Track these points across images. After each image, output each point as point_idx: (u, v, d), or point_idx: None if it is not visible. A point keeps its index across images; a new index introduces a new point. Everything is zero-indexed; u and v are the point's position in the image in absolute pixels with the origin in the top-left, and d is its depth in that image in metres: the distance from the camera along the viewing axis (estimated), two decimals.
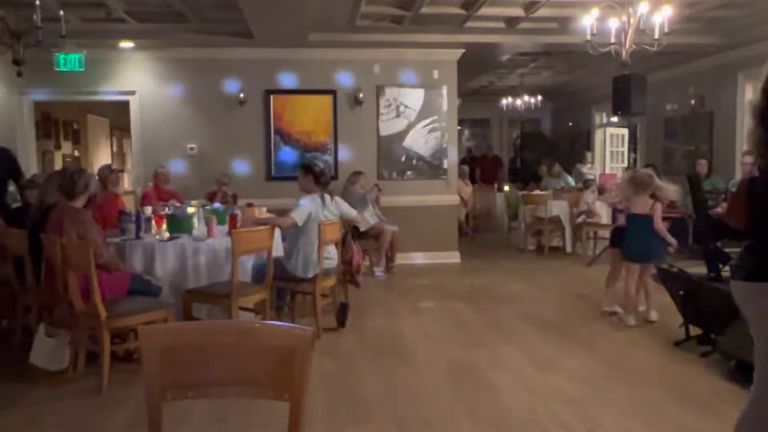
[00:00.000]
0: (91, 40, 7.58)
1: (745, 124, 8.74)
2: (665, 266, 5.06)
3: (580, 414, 3.32)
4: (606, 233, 7.29)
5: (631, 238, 5.44)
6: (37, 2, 5.30)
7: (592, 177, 10.54)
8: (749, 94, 8.77)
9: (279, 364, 1.48)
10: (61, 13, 5.54)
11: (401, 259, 8.04)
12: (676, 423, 3.20)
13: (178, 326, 2.57)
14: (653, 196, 5.43)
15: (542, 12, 7.07)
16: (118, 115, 10.75)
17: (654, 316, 5.32)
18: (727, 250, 4.77)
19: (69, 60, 7.80)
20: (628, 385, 3.80)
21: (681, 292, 4.55)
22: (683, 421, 3.23)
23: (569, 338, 4.84)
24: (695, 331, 4.52)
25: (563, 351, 4.50)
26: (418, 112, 8.44)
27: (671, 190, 5.62)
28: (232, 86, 8.16)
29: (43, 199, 4.51)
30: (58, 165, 10.22)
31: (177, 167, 7.92)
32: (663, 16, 5.61)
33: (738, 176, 8.01)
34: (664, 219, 7.06)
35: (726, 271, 5.41)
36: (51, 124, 10.33)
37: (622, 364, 4.22)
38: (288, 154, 8.24)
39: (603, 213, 8.58)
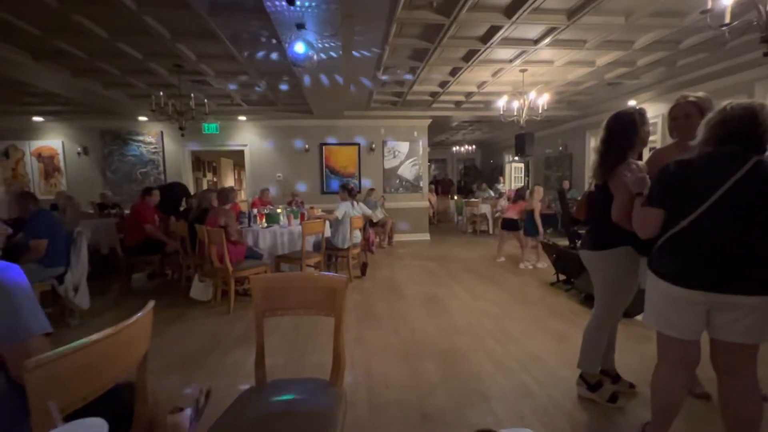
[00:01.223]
0: (222, 115, 7.59)
1: (590, 160, 8.72)
2: (545, 241, 5.05)
3: (497, 324, 3.34)
4: None
5: (527, 224, 5.51)
6: (192, 96, 5.32)
7: (503, 191, 10.49)
8: (592, 143, 8.72)
9: (328, 296, 1.50)
10: (206, 101, 5.54)
11: (396, 237, 8.02)
12: (551, 329, 3.22)
13: (272, 276, 2.59)
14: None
15: (475, 98, 7.02)
16: (238, 157, 10.79)
17: (541, 265, 5.48)
18: (579, 232, 4.79)
19: (210, 127, 7.84)
20: (524, 306, 3.81)
21: (554, 255, 4.54)
22: (555, 327, 3.25)
23: (490, 281, 4.82)
24: (563, 278, 4.52)
25: (487, 288, 4.50)
26: (406, 155, 8.38)
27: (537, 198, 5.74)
28: (300, 141, 8.11)
29: (200, 204, 4.52)
30: (204, 186, 10.23)
31: (271, 187, 7.94)
32: (543, 100, 5.57)
33: (586, 189, 7.99)
34: (543, 214, 7.10)
35: (578, 243, 5.39)
36: (200, 163, 10.40)
37: (520, 295, 4.22)
38: (333, 180, 8.19)
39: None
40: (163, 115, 5.33)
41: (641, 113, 1.90)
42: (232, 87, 6.00)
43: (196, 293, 3.92)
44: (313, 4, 3.05)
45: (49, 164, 7.80)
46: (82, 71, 5.08)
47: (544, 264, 5.44)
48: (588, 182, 7.01)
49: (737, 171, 1.30)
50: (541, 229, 5.60)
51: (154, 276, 5.26)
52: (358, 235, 5.02)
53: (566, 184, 8.66)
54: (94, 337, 0.86)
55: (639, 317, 3.27)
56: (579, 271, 3.89)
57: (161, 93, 5.25)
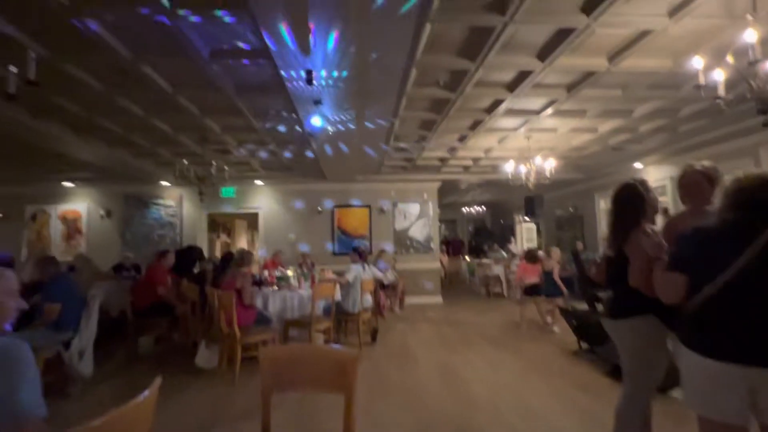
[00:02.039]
0: (239, 180, 7.92)
1: (602, 223, 8.68)
2: (563, 306, 4.86)
3: (518, 398, 3.11)
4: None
5: (547, 285, 5.58)
6: (213, 163, 5.64)
7: (516, 252, 10.38)
8: (602, 205, 8.76)
9: (338, 371, 1.44)
10: (226, 168, 5.86)
11: (408, 300, 7.80)
12: (577, 404, 2.97)
13: (280, 348, 2.50)
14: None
15: (483, 162, 7.27)
16: (251, 218, 11.03)
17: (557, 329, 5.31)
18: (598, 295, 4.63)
19: (227, 191, 8.14)
20: (546, 378, 3.56)
21: (574, 322, 4.34)
22: (581, 402, 3.00)
23: (508, 348, 4.58)
24: (585, 345, 4.27)
25: (505, 356, 4.27)
26: (416, 216, 8.50)
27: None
28: (314, 204, 8.34)
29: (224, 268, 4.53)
30: (217, 247, 10.38)
31: (283, 247, 8.02)
32: (550, 165, 5.73)
33: (600, 251, 7.84)
34: (561, 277, 6.97)
35: (599, 307, 5.19)
36: (215, 224, 10.65)
37: (541, 364, 3.97)
38: (344, 241, 8.27)
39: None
40: (185, 180, 5.63)
41: (643, 183, 1.95)
42: (251, 153, 6.36)
43: (202, 360, 3.80)
44: (329, 83, 3.35)
45: (72, 227, 8.12)
46: (117, 143, 5.50)
47: (559, 328, 5.20)
48: (602, 245, 6.91)
49: (759, 237, 1.28)
50: (564, 289, 5.45)
51: (161, 341, 5.15)
52: (368, 299, 4.93)
53: (580, 245, 8.54)
54: (95, 423, 0.83)
55: (675, 393, 3.02)
56: (603, 339, 3.68)
57: (185, 161, 5.59)
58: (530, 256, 6.13)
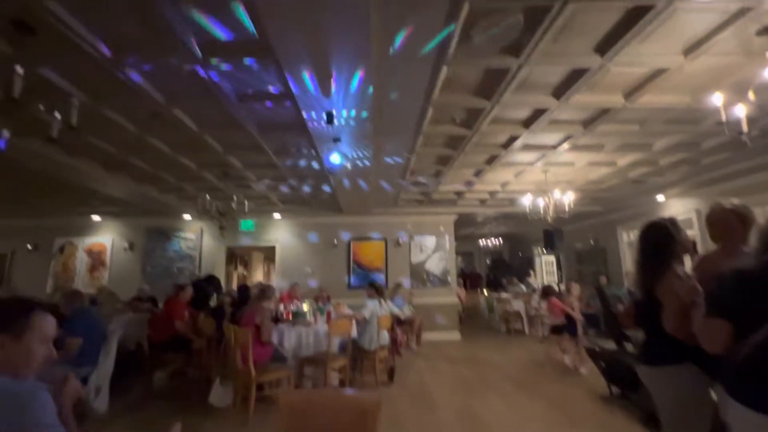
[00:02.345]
0: (258, 214, 8.08)
1: (626, 256, 8.41)
2: (590, 346, 4.62)
3: None
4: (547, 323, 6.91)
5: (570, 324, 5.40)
6: (234, 198, 5.80)
7: (536, 286, 10.09)
8: (624, 238, 8.53)
9: (358, 418, 1.39)
10: (246, 202, 6.01)
11: (424, 336, 7.55)
12: None
13: (299, 392, 2.44)
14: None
15: (500, 196, 7.25)
16: (268, 251, 11.13)
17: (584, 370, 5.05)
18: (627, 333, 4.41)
19: (246, 224, 8.32)
20: (573, 425, 3.35)
21: (603, 364, 4.10)
22: None
23: (533, 391, 4.33)
24: (616, 389, 4.02)
25: (530, 401, 4.03)
26: (433, 249, 8.43)
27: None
28: (330, 237, 8.38)
29: (244, 301, 4.55)
30: (234, 280, 10.43)
31: (300, 280, 8.02)
32: (568, 198, 5.67)
33: (625, 285, 7.54)
34: (583, 313, 6.74)
35: (629, 347, 4.93)
36: (233, 257, 10.77)
37: (569, 410, 3.73)
38: (360, 275, 8.23)
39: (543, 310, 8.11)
40: (206, 214, 5.78)
41: (673, 223, 1.90)
42: (270, 188, 6.53)
43: (216, 399, 3.73)
44: (349, 122, 3.46)
45: (96, 259, 8.36)
46: (143, 179, 5.74)
47: (587, 370, 4.93)
48: (627, 280, 6.65)
49: None
50: (579, 329, 5.22)
51: (175, 376, 5.10)
52: (385, 336, 4.81)
53: (603, 280, 8.24)
54: None
55: None
56: (635, 384, 3.46)
57: (207, 196, 5.77)
58: (547, 293, 5.96)
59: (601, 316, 7.37)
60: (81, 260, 8.34)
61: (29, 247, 8.34)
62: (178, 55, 2.62)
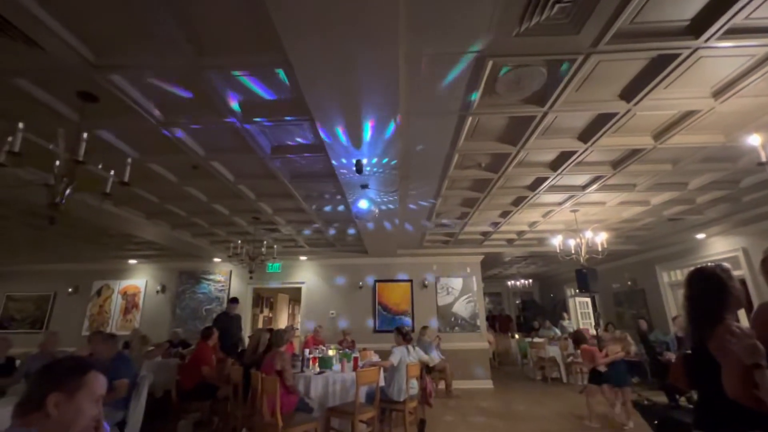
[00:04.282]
0: (285, 256, 8.24)
1: (667, 298, 7.91)
2: (639, 400, 4.25)
3: None
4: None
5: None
6: (265, 242, 5.96)
7: (571, 329, 9.55)
8: (665, 278, 8.07)
9: None
10: (275, 246, 6.17)
11: (455, 385, 7.13)
12: None
13: None
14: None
15: (528, 236, 7.12)
16: (294, 293, 11.19)
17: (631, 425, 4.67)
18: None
19: (273, 266, 8.46)
20: None
21: (656, 422, 3.74)
22: None
23: None
24: None
25: None
26: (460, 291, 8.22)
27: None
28: (355, 278, 8.37)
29: (257, 348, 4.56)
30: (260, 323, 10.45)
31: (324, 323, 7.95)
32: (601, 238, 5.50)
33: (672, 331, 7.00)
34: (627, 361, 6.33)
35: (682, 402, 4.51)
36: (259, 299, 10.87)
37: None
38: (385, 318, 8.08)
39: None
40: (236, 258, 5.95)
41: (724, 269, 1.78)
42: (298, 232, 6.69)
43: None
44: (377, 169, 3.58)
45: (130, 301, 8.63)
46: (179, 225, 6.03)
47: (632, 424, 4.54)
48: (673, 327, 6.20)
49: None
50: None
51: (200, 425, 5.02)
52: (415, 385, 4.61)
53: (643, 324, 7.71)
54: None
55: None
56: None
57: (239, 241, 5.97)
58: (576, 340, 5.56)
59: (647, 365, 6.86)
60: (116, 302, 8.64)
61: (70, 289, 8.74)
62: (221, 115, 2.84)
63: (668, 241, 7.32)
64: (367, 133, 2.74)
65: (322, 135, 2.79)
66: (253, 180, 4.22)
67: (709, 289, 1.73)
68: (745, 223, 5.84)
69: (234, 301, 6.47)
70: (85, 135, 2.26)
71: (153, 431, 4.64)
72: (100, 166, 2.41)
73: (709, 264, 1.86)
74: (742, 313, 3.73)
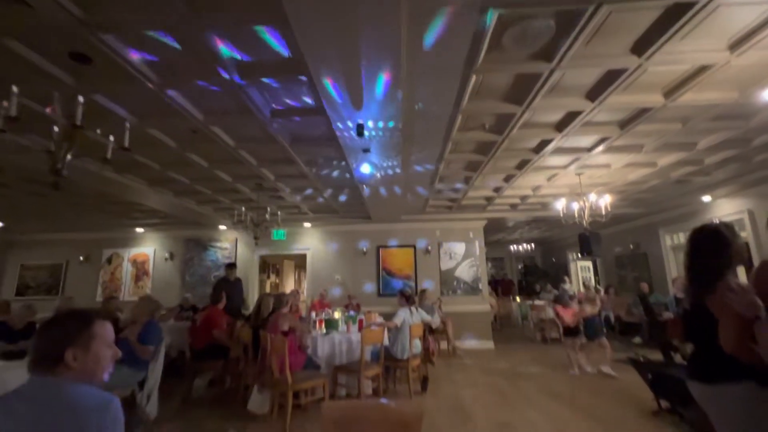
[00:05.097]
0: (289, 223, 8.32)
1: (669, 261, 7.96)
2: (634, 357, 4.39)
3: None
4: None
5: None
6: (268, 209, 5.99)
7: (572, 293, 9.71)
8: (668, 241, 8.09)
9: (399, 429, 1.40)
10: (279, 212, 6.20)
11: (457, 345, 7.43)
12: None
13: (342, 403, 2.47)
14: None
15: (531, 200, 7.09)
16: (299, 259, 11.39)
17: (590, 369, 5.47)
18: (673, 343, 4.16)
19: (279, 233, 8.54)
20: None
21: (650, 377, 3.89)
22: None
23: (574, 406, 4.16)
24: (665, 404, 3.80)
25: (571, 417, 3.87)
26: (462, 256, 8.33)
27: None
28: (359, 244, 8.47)
29: (260, 310, 4.72)
30: (267, 288, 10.73)
31: (337, 291, 8.14)
32: (605, 201, 5.46)
33: (671, 292, 7.09)
34: (626, 322, 6.67)
35: (676, 358, 4.64)
36: (265, 265, 11.10)
37: (614, 427, 3.54)
38: (389, 282, 8.25)
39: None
40: (241, 225, 6.01)
41: (729, 227, 1.78)
42: (302, 199, 6.70)
43: (254, 405, 3.84)
44: (378, 132, 3.52)
45: (140, 269, 8.85)
46: (182, 192, 6.05)
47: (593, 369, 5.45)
48: (673, 288, 6.27)
49: None
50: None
51: (214, 383, 5.29)
52: (417, 345, 4.78)
53: (645, 287, 7.83)
54: None
55: None
56: (687, 399, 3.26)
57: (243, 208, 6.00)
58: (555, 300, 6.31)
59: (645, 324, 7.03)
60: (126, 270, 8.86)
61: (81, 258, 8.95)
62: (217, 76, 2.77)
63: (673, 204, 7.28)
64: (366, 84, 2.66)
65: (322, 94, 2.72)
66: (253, 144, 4.18)
67: (712, 246, 1.74)
68: (754, 185, 5.77)
69: (231, 266, 6.57)
70: (81, 99, 2.21)
71: (171, 388, 4.91)
72: (98, 131, 2.37)
73: (712, 221, 1.86)
74: (741, 273, 3.76)
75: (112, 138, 2.51)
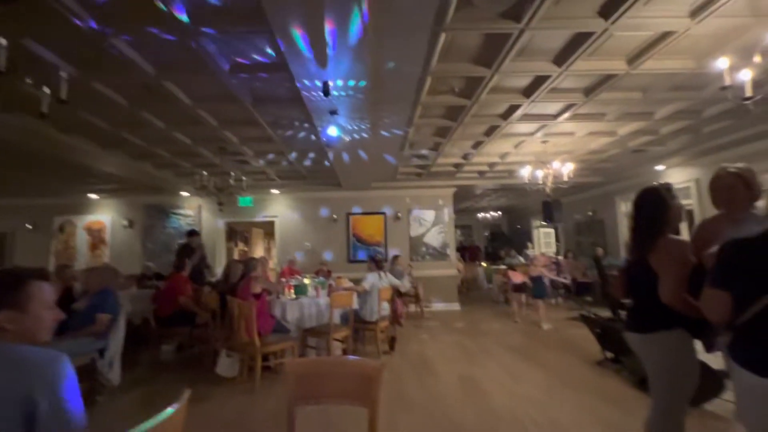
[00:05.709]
0: (256, 189, 8.07)
1: (623, 228, 8.47)
2: (586, 314, 4.72)
3: (543, 413, 3.02)
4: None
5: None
6: (232, 174, 5.76)
7: (532, 257, 10.22)
8: (623, 208, 8.56)
9: (362, 384, 1.44)
10: (243, 178, 5.97)
11: (424, 307, 7.72)
12: (606, 419, 2.88)
13: (305, 361, 2.50)
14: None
15: (498, 168, 7.21)
16: (268, 227, 11.16)
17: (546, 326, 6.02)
18: (622, 302, 4.49)
19: (245, 200, 8.27)
20: (572, 391, 3.47)
21: (598, 330, 4.22)
22: (610, 417, 2.91)
23: (530, 359, 4.47)
24: (610, 355, 4.15)
25: (527, 367, 4.17)
26: (432, 223, 8.47)
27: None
28: (328, 212, 8.41)
29: (228, 277, 4.65)
30: (236, 256, 10.51)
31: (299, 255, 8.10)
32: (567, 169, 5.64)
33: (623, 256, 7.62)
34: (581, 283, 7.14)
35: (623, 315, 5.02)
36: (233, 233, 10.82)
37: (565, 376, 3.86)
38: (359, 249, 8.30)
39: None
40: (204, 191, 5.76)
41: (668, 188, 1.89)
42: (268, 164, 6.47)
43: (223, 369, 3.85)
44: (345, 93, 3.39)
45: (96, 237, 8.39)
46: (139, 156, 5.68)
47: (550, 325, 5.96)
48: (623, 250, 6.72)
49: None
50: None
51: (182, 348, 5.24)
52: (386, 307, 4.91)
53: (600, 251, 8.34)
54: None
55: (708, 406, 2.90)
56: (628, 349, 3.57)
57: (204, 173, 5.73)
58: (510, 266, 7.78)
59: (598, 285, 7.55)
60: (81, 238, 8.38)
61: (29, 226, 8.34)
62: (167, 24, 2.52)
63: (629, 174, 7.64)
64: (334, 43, 2.52)
65: (284, 46, 2.54)
66: (212, 104, 3.92)
67: (653, 205, 1.85)
68: (702, 155, 6.12)
69: (193, 233, 6.31)
70: (4, 42, 1.95)
71: (136, 355, 4.83)
72: (28, 81, 2.13)
73: (654, 183, 1.96)
74: (685, 232, 4.06)
75: (47, 89, 2.25)
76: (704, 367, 2.34)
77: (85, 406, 1.06)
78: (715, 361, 2.67)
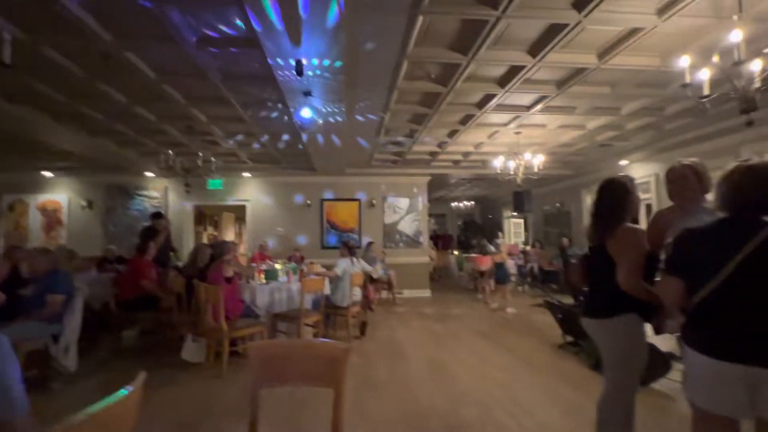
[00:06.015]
0: (227, 172, 7.80)
1: (586, 220, 8.84)
2: (550, 300, 4.91)
3: (506, 393, 3.14)
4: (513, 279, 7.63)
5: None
6: (200, 154, 5.53)
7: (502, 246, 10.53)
8: (588, 201, 8.91)
9: (328, 366, 1.43)
10: (213, 159, 5.75)
11: (396, 293, 7.80)
12: (565, 399, 3.03)
13: (269, 343, 2.48)
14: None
15: (472, 157, 7.30)
16: (239, 212, 10.88)
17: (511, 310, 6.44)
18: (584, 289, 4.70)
19: (215, 183, 7.98)
20: (534, 372, 3.62)
21: (560, 316, 4.40)
22: (569, 397, 3.06)
23: (496, 343, 4.63)
24: (570, 339, 4.35)
25: (493, 351, 4.31)
26: (406, 211, 8.51)
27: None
28: (302, 197, 8.28)
29: (196, 260, 4.50)
30: (205, 240, 10.21)
31: (271, 241, 7.96)
32: (538, 160, 5.78)
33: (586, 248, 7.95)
34: (547, 271, 7.38)
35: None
36: (202, 217, 10.49)
37: (528, 359, 4.02)
38: (333, 235, 8.25)
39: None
40: (170, 172, 5.50)
41: (631, 180, 1.97)
42: (239, 145, 6.25)
43: (188, 354, 3.74)
44: (320, 73, 3.29)
45: (52, 217, 7.89)
46: (99, 132, 5.33)
47: (514, 310, 6.32)
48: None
49: (754, 237, 1.28)
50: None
51: (145, 334, 5.05)
52: (358, 293, 4.92)
53: (565, 241, 8.68)
54: (78, 419, 0.80)
55: (656, 385, 3.10)
56: (586, 333, 3.75)
57: (170, 152, 5.46)
58: (481, 251, 8.10)
59: (562, 273, 7.87)
60: (34, 218, 7.85)
61: None
62: None
63: (596, 167, 7.93)
64: (307, 17, 2.42)
65: (251, 18, 2.42)
66: (178, 78, 3.72)
67: (615, 193, 1.92)
68: (663, 151, 6.42)
69: (157, 215, 6.02)
70: None
71: (95, 341, 4.62)
72: None
73: (616, 175, 2.05)
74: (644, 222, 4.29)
75: None
76: (653, 348, 2.50)
77: (39, 392, 1.00)
78: (663, 343, 2.85)
